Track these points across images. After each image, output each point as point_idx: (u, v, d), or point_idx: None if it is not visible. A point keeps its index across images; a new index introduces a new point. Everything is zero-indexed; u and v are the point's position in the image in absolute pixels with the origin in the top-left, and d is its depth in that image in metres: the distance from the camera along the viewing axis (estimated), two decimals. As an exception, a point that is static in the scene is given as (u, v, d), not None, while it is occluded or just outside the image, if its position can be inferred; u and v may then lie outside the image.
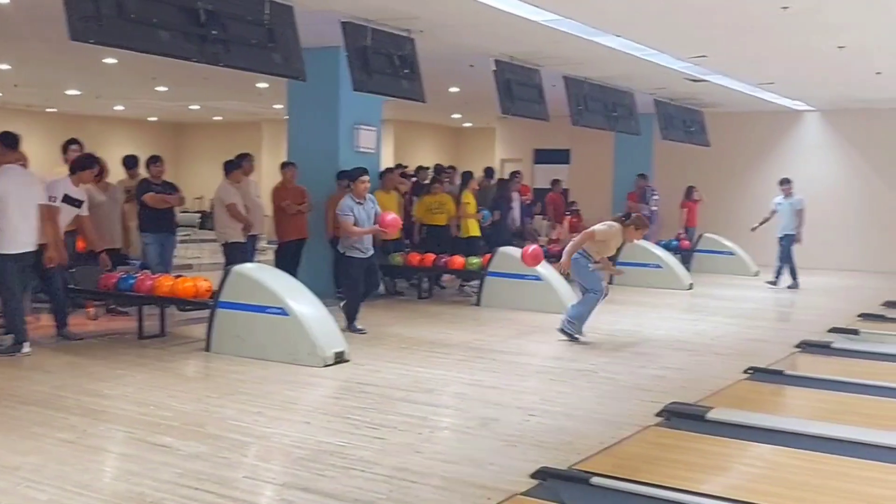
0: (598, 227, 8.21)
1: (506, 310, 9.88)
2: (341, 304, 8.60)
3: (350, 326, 8.32)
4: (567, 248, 8.28)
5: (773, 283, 12.82)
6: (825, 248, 15.67)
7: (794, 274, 12.76)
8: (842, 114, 15.93)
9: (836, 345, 7.95)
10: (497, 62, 10.27)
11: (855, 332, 8.72)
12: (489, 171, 13.83)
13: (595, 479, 4.14)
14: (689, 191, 15.61)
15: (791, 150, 16.52)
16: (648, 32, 9.47)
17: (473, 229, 11.85)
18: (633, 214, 8.43)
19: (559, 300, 9.79)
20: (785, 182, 12.94)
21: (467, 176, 12.33)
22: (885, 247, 15.46)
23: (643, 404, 5.82)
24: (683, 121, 15.06)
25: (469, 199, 11.83)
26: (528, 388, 6.47)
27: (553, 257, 12.52)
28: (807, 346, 7.85)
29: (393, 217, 8.53)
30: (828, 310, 10.65)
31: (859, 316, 9.82)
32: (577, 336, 8.14)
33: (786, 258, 12.75)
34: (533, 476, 4.25)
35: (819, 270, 14.79)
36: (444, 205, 11.67)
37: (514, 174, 13.79)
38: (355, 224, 8.22)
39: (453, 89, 14.64)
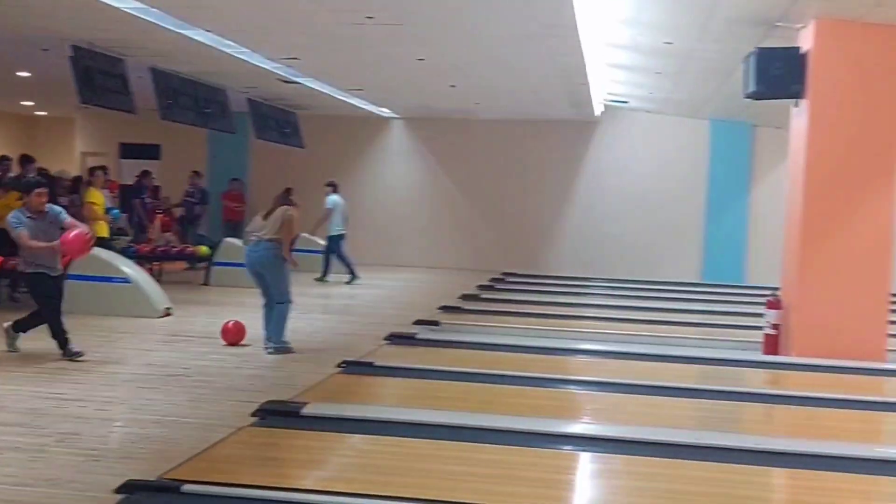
0: (290, 212, 7.97)
1: (90, 315, 9.12)
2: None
3: (66, 352, 7.14)
4: (285, 245, 7.89)
5: (353, 279, 13.52)
6: (408, 247, 16.85)
7: (326, 269, 13.58)
8: (422, 121, 17.17)
9: (420, 336, 8.50)
10: (74, 48, 9.43)
11: (436, 323, 9.40)
12: (26, 160, 11.85)
13: (186, 487, 3.95)
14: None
15: (380, 154, 17.44)
16: (240, 30, 9.35)
17: (102, 231, 10.67)
18: (289, 189, 8.30)
19: (149, 303, 9.32)
20: (328, 184, 13.88)
21: (92, 171, 11.11)
22: (459, 245, 16.93)
23: (238, 405, 5.70)
24: (277, 121, 15.18)
25: (95, 197, 10.66)
26: (115, 397, 6.03)
27: (143, 257, 11.95)
28: (394, 339, 8.28)
29: (77, 233, 7.02)
30: (412, 304, 11.38)
31: (439, 308, 10.61)
32: (288, 344, 7.80)
33: (335, 253, 13.58)
34: (118, 490, 3.93)
35: (402, 268, 15.85)
36: (8, 205, 10.42)
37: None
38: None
39: (23, 74, 13.21)
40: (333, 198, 13.72)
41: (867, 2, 6.99)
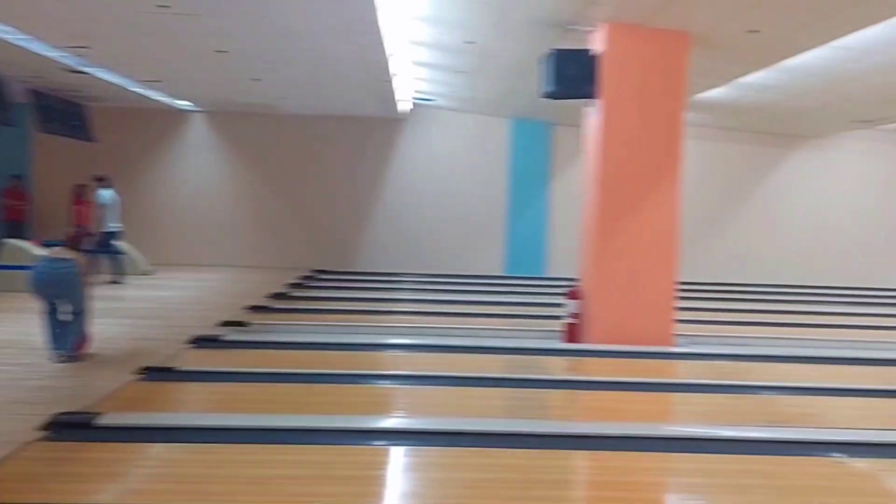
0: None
1: None
2: None
3: None
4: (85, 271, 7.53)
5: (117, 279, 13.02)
6: (211, 245, 16.31)
7: (117, 269, 13.10)
8: (225, 115, 16.66)
9: (226, 337, 8.24)
10: None
11: (243, 323, 9.14)
12: None
13: (-36, 512, 3.62)
14: (81, 189, 14.86)
15: (179, 149, 16.75)
16: (19, 15, 8.67)
17: None
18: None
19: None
20: (97, 179, 13.41)
21: None
22: (266, 243, 16.60)
23: (24, 419, 5.28)
24: (64, 114, 14.24)
25: None
26: None
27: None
28: (198, 341, 7.98)
29: None
30: (216, 305, 11.00)
31: (247, 308, 10.33)
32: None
33: (104, 250, 13.05)
34: None
35: (205, 267, 15.32)
36: None
37: None
38: None
39: None
40: (106, 192, 13.10)
41: (651, 7, 7.44)
